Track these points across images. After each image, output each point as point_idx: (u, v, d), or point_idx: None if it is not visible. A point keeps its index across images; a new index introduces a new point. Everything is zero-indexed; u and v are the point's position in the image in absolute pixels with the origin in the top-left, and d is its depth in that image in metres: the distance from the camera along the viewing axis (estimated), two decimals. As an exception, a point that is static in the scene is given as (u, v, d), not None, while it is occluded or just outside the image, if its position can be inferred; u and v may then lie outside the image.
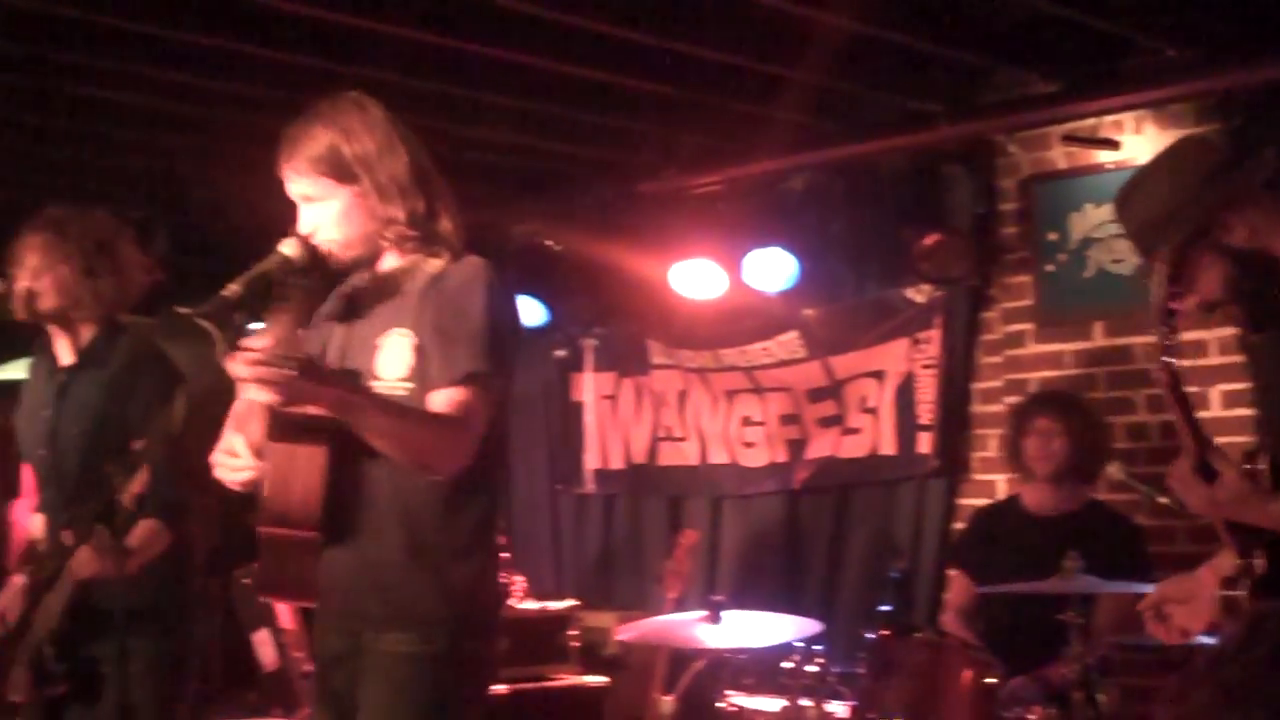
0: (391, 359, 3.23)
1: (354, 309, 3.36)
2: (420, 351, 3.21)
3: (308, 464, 3.14)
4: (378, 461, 3.17)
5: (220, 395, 3.91)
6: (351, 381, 3.07)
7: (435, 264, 3.27)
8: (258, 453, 3.24)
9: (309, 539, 3.19)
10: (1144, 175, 3.61)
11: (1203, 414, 5.67)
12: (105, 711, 4.25)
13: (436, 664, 3.21)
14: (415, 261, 3.30)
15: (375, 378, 3.24)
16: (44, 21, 5.05)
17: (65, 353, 4.54)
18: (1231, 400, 5.46)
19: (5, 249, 4.52)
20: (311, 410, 3.10)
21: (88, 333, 4.51)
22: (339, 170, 3.27)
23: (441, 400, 3.16)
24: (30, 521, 4.75)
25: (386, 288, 3.33)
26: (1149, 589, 4.62)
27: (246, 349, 2.91)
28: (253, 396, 2.97)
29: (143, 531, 4.23)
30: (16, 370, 6.57)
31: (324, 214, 3.29)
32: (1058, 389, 5.86)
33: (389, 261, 3.36)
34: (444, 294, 3.23)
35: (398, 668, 3.19)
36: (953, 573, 5.73)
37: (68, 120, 6.18)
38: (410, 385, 3.21)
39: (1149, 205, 3.50)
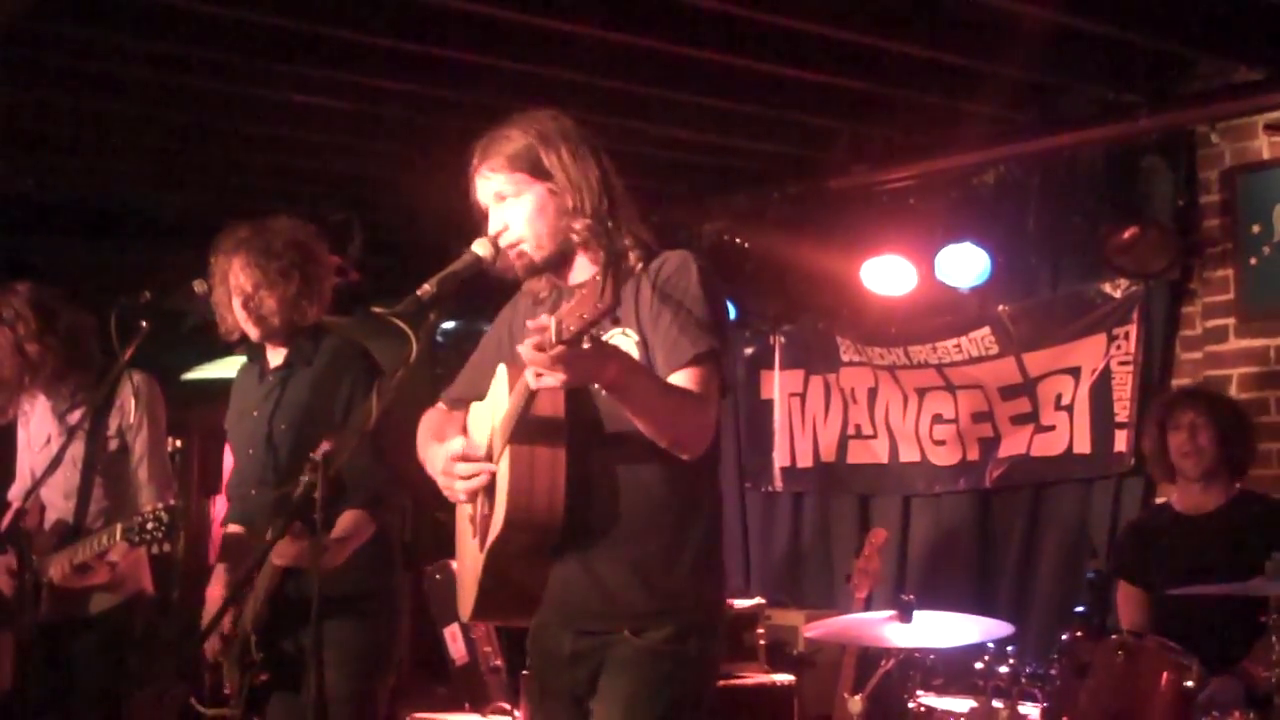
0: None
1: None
2: (644, 347, 3.23)
3: (550, 464, 3.15)
4: (620, 458, 3.20)
5: (415, 391, 3.98)
6: (622, 354, 3.07)
7: (634, 263, 3.27)
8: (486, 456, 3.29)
9: (548, 541, 3.21)
10: None
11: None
12: (306, 700, 4.34)
13: (689, 662, 3.23)
14: (616, 262, 3.29)
15: None
16: (240, 28, 5.19)
17: (274, 356, 4.66)
18: None
19: (208, 252, 4.62)
20: (548, 411, 3.13)
21: (296, 335, 4.62)
22: (533, 167, 3.32)
23: (679, 382, 3.17)
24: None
25: (591, 289, 3.34)
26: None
27: (534, 331, 2.88)
28: (544, 383, 2.94)
29: (348, 521, 4.31)
30: (219, 369, 6.78)
31: (517, 211, 3.33)
32: (1198, 385, 5.77)
33: (583, 266, 3.38)
34: (659, 285, 3.24)
35: (652, 663, 3.20)
36: (1121, 587, 5.61)
37: (266, 125, 6.34)
38: None
39: None
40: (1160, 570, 5.29)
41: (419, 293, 3.21)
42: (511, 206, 3.34)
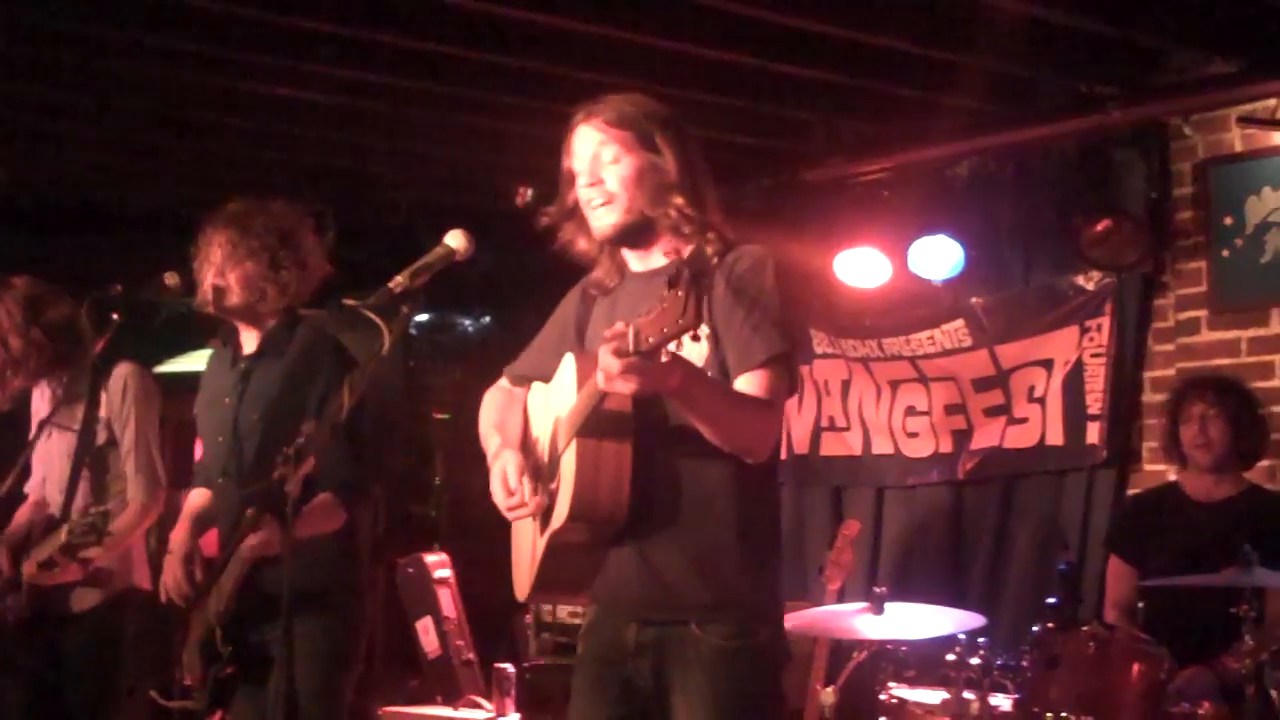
0: (687, 350, 3.23)
1: (634, 298, 3.36)
2: (714, 340, 3.24)
3: (616, 459, 3.16)
4: (683, 454, 3.21)
5: (387, 384, 3.97)
6: (687, 365, 3.09)
7: (712, 253, 3.25)
8: (533, 475, 3.31)
9: (610, 534, 3.23)
10: None
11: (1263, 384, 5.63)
12: (272, 694, 4.33)
13: (758, 657, 3.27)
14: (691, 253, 3.28)
15: None
16: (217, 20, 5.18)
17: (248, 342, 4.62)
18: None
19: (187, 245, 4.61)
20: (616, 407, 3.14)
21: (269, 323, 4.59)
22: (644, 135, 3.37)
23: (748, 384, 3.19)
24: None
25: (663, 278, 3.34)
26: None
27: (612, 338, 2.89)
28: (615, 388, 2.95)
29: (315, 504, 4.28)
30: (191, 362, 6.75)
31: (615, 170, 3.34)
32: (1213, 373, 5.75)
33: (658, 252, 3.38)
34: (734, 281, 3.25)
35: (723, 661, 3.22)
36: (1112, 562, 5.62)
37: (241, 117, 6.32)
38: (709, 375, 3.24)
39: None
40: (1157, 551, 5.29)
41: (391, 285, 3.21)
42: (611, 165, 3.35)
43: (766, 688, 3.30)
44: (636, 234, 3.38)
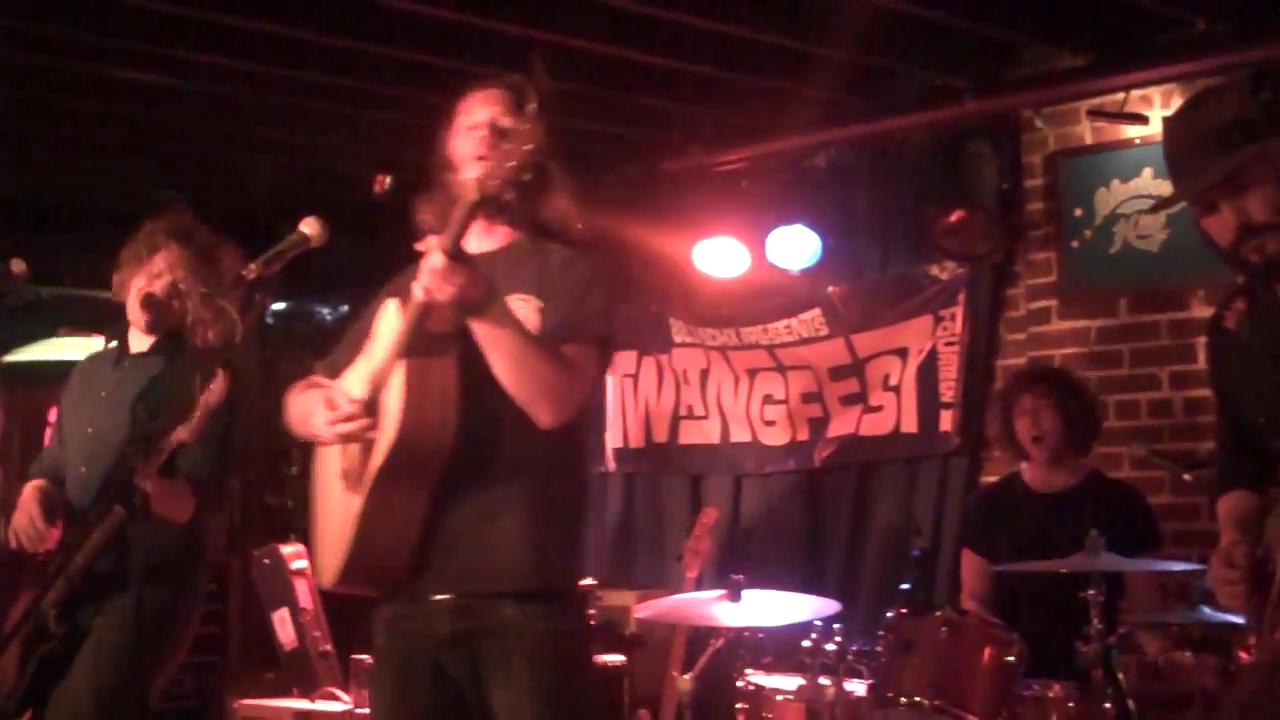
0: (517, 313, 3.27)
1: None
2: (544, 315, 3.28)
3: (441, 376, 3.17)
4: (502, 412, 3.18)
5: (243, 372, 3.90)
6: (496, 286, 3.15)
7: (553, 244, 3.38)
8: (366, 407, 3.25)
9: (436, 464, 3.18)
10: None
11: (1152, 395, 5.73)
12: (98, 663, 4.25)
13: (577, 638, 3.31)
14: (529, 238, 3.40)
15: None
16: (66, 2, 5.06)
17: (138, 342, 4.59)
18: (1179, 382, 5.74)
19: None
20: (441, 328, 3.15)
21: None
22: (513, 111, 3.42)
23: (566, 351, 3.23)
24: None
25: (501, 256, 3.38)
26: (1170, 566, 4.64)
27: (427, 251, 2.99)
28: (437, 294, 3.04)
29: (170, 487, 4.19)
30: (39, 351, 6.60)
31: (507, 138, 3.33)
32: (1040, 365, 5.84)
33: (501, 236, 3.43)
34: (569, 270, 3.34)
35: (543, 645, 3.23)
36: (965, 555, 5.70)
37: (91, 101, 6.19)
38: None
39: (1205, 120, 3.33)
40: (1004, 542, 5.36)
41: (244, 273, 3.17)
42: (495, 137, 3.40)
43: (586, 667, 3.37)
44: (495, 207, 3.35)
